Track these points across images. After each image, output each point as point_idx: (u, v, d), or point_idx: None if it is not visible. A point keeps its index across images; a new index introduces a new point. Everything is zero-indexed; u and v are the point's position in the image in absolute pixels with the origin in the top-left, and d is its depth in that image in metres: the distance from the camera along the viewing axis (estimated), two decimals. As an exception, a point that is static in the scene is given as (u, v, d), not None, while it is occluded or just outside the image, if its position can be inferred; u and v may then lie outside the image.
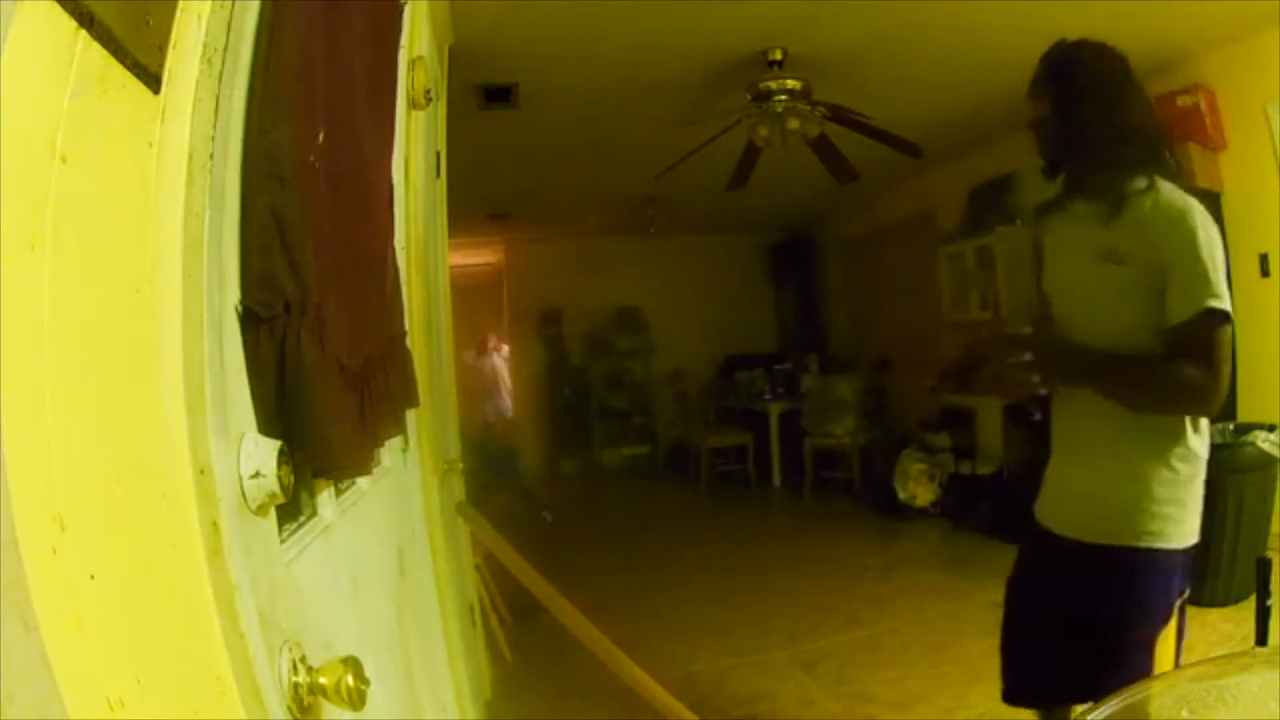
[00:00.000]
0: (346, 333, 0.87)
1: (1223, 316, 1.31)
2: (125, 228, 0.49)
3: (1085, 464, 1.48)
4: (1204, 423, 1.41)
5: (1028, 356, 1.48)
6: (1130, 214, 1.38)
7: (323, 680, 0.64)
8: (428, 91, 1.80)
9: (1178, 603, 1.40)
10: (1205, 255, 1.31)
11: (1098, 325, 1.43)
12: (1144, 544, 1.37)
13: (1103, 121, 1.41)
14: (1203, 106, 3.69)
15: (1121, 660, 1.37)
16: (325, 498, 0.97)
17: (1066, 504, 1.52)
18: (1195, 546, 1.41)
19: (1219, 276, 1.31)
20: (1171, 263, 1.32)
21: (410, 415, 1.48)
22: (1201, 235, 1.31)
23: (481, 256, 8.45)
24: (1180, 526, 1.38)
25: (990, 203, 5.27)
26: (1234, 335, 1.34)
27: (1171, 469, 1.37)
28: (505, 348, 8.45)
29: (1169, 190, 1.38)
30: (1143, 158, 1.42)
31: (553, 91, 3.85)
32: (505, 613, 3.20)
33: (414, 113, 1.80)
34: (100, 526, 0.44)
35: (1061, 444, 1.56)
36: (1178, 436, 1.38)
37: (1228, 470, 2.93)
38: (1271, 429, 3.14)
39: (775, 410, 6.50)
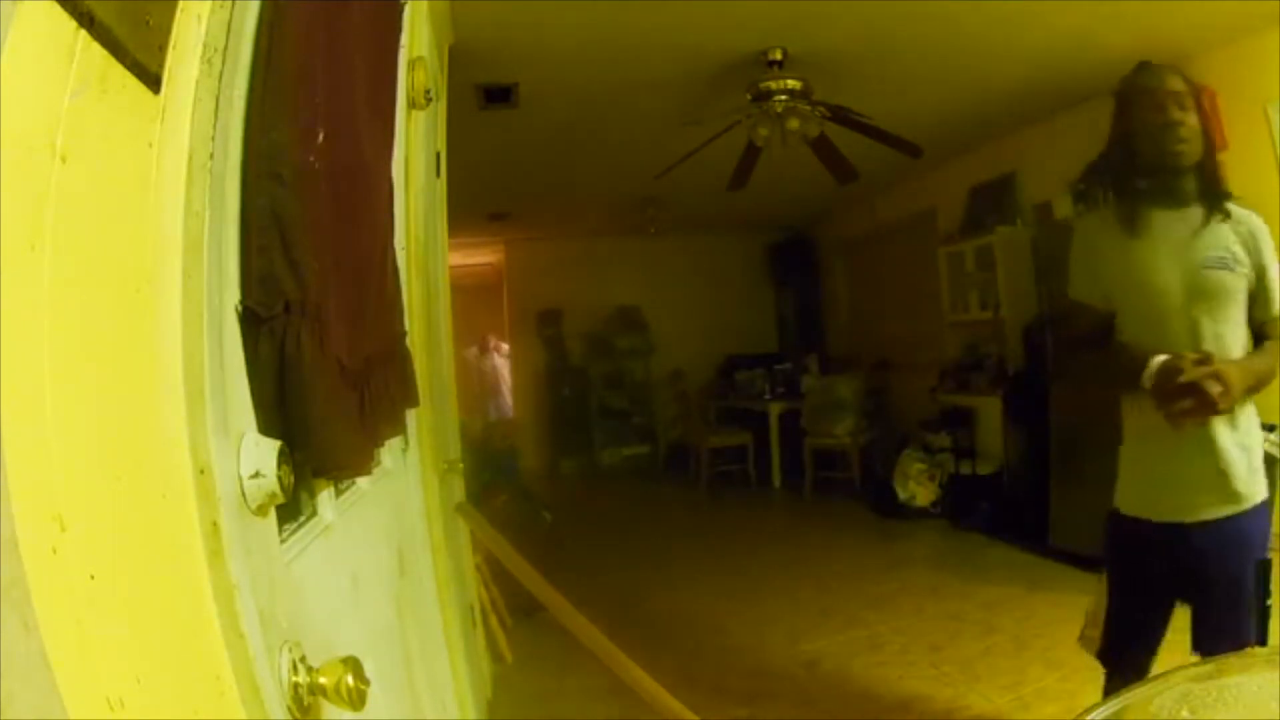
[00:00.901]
0: (346, 333, 0.87)
1: None
2: (125, 228, 0.49)
3: (1199, 447, 1.62)
4: None
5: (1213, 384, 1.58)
6: (1228, 226, 1.64)
7: (323, 680, 0.64)
8: (428, 91, 1.80)
9: None
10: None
11: (1215, 325, 1.62)
12: (1259, 499, 1.61)
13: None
14: (1203, 107, 3.68)
15: (1244, 609, 1.53)
16: (325, 498, 0.97)
17: (1184, 489, 1.64)
18: None
19: None
20: (1267, 266, 1.63)
21: (410, 415, 1.48)
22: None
23: (481, 256, 8.45)
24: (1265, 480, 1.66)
25: (991, 202, 5.27)
26: None
27: (1254, 436, 1.66)
28: (505, 347, 8.45)
29: (1236, 204, 1.66)
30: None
31: (553, 91, 3.85)
32: (505, 613, 3.20)
33: (414, 113, 1.80)
34: (100, 526, 0.44)
35: (1152, 435, 1.65)
36: (1252, 405, 1.66)
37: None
38: (1271, 429, 3.13)
39: (775, 410, 6.49)
